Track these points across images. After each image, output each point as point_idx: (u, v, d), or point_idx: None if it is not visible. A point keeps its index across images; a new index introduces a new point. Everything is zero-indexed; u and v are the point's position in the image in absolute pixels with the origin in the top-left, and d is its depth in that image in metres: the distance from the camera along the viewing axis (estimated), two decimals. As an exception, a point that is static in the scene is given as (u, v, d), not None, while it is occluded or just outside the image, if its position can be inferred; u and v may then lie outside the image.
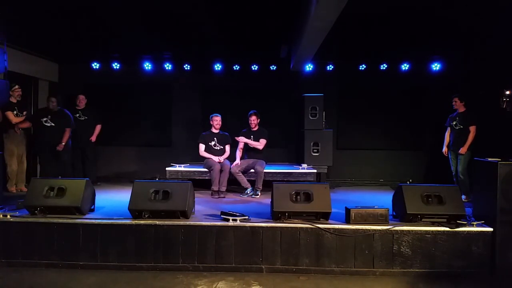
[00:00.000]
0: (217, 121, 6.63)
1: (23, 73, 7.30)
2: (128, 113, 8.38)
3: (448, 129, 6.60)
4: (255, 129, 6.68)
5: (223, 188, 6.34)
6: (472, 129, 6.16)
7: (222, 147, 6.62)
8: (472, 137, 6.15)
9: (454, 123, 6.42)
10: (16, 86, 6.62)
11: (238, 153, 6.67)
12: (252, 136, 6.64)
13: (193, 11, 5.74)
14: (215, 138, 6.62)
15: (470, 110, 6.36)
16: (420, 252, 4.19)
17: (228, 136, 6.72)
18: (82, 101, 7.53)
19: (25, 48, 7.26)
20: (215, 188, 6.28)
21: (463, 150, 6.15)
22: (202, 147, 6.60)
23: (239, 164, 6.49)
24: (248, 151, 6.68)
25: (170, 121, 8.48)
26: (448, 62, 7.97)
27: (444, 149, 6.59)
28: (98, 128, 7.60)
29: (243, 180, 6.43)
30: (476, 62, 7.52)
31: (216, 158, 6.43)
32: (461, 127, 6.29)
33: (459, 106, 6.40)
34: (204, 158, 6.58)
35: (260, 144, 6.58)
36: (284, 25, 6.27)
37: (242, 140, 6.59)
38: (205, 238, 4.26)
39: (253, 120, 6.61)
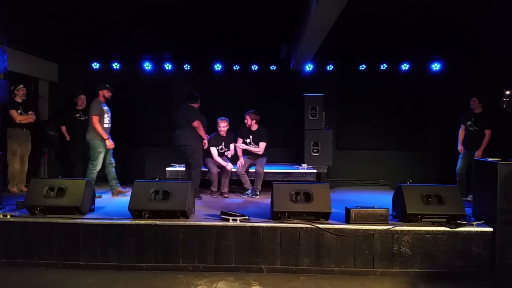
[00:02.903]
0: (222, 126, 6.37)
1: (23, 73, 7.30)
2: (128, 113, 8.37)
3: (462, 126, 6.53)
4: (254, 129, 6.55)
5: (225, 189, 6.33)
6: (488, 133, 6.14)
7: (227, 149, 6.52)
8: (487, 141, 6.13)
9: (469, 123, 6.37)
10: (21, 86, 6.63)
11: (239, 151, 6.53)
12: (251, 136, 6.54)
13: (193, 11, 5.74)
14: (222, 143, 6.47)
15: (486, 113, 6.29)
16: (420, 252, 4.19)
17: (233, 135, 6.58)
18: (82, 101, 7.53)
19: (25, 48, 7.27)
20: (213, 189, 6.31)
21: (478, 155, 6.10)
22: (214, 151, 6.39)
23: (243, 163, 6.38)
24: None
25: (170, 121, 8.46)
26: (448, 62, 7.97)
27: (460, 147, 6.53)
28: None
29: (247, 181, 6.39)
30: (476, 62, 7.52)
31: (224, 163, 6.33)
32: (476, 128, 6.26)
33: (476, 106, 6.32)
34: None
35: (260, 149, 6.44)
36: (284, 25, 6.27)
37: (241, 147, 6.47)
38: (205, 238, 4.26)
39: (247, 120, 6.46)
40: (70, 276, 4.07)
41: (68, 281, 3.97)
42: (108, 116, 6.09)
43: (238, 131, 6.57)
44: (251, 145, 6.50)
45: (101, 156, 5.92)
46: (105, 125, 6.01)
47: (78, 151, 7.51)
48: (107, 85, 6.18)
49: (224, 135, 6.45)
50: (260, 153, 6.47)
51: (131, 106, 8.39)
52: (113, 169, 6.18)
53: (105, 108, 6.08)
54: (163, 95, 8.46)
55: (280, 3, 5.41)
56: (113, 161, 6.18)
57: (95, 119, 5.86)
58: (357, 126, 8.34)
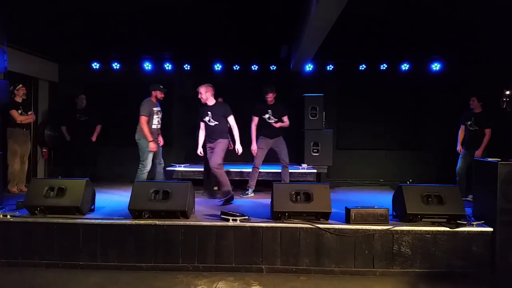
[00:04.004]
0: (200, 94, 5.53)
1: (23, 73, 7.30)
2: (128, 113, 8.35)
3: (462, 127, 6.53)
4: (272, 103, 6.17)
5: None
6: (488, 132, 6.14)
7: (217, 122, 5.53)
8: (487, 140, 6.13)
9: (469, 123, 6.36)
10: (20, 85, 6.63)
11: (253, 133, 6.04)
12: (269, 111, 6.14)
13: (193, 11, 5.74)
14: (209, 113, 5.52)
15: (486, 112, 6.28)
16: (420, 252, 4.19)
17: (226, 105, 5.71)
18: (82, 101, 7.54)
19: (25, 48, 7.27)
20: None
21: (478, 154, 6.09)
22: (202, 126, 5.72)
23: (256, 151, 5.95)
24: (267, 127, 6.19)
25: (170, 121, 8.47)
26: (448, 62, 7.98)
27: (459, 147, 6.54)
28: (98, 128, 7.62)
29: (256, 178, 6.16)
30: (476, 62, 7.52)
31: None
32: (476, 128, 6.25)
33: (476, 106, 6.31)
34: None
35: (286, 122, 6.21)
36: (284, 25, 6.27)
37: (277, 124, 6.08)
38: (205, 238, 4.26)
39: (269, 97, 6.09)
40: (70, 276, 4.06)
41: (68, 281, 3.97)
42: (157, 117, 5.97)
43: (253, 111, 6.16)
44: (271, 121, 6.14)
45: (150, 156, 5.80)
46: (154, 126, 5.89)
47: (77, 151, 7.53)
48: (162, 86, 6.02)
49: (210, 103, 5.56)
50: (287, 125, 6.26)
51: (131, 106, 8.35)
52: (162, 170, 6.08)
53: (156, 109, 5.96)
54: (163, 95, 8.44)
55: (280, 3, 5.41)
56: (162, 160, 6.07)
57: (142, 119, 5.73)
58: (357, 126, 8.34)
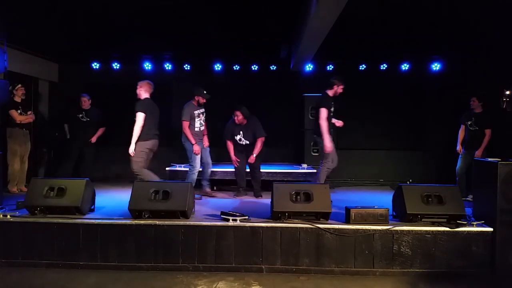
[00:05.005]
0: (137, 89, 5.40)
1: (23, 73, 7.30)
2: (128, 113, 8.34)
3: (462, 127, 6.53)
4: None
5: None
6: (488, 132, 6.14)
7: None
8: (488, 140, 6.13)
9: (469, 123, 6.36)
10: (19, 85, 6.62)
11: (327, 128, 5.28)
12: (333, 103, 5.65)
13: (193, 11, 5.75)
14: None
15: (486, 112, 6.28)
16: (420, 252, 4.19)
17: (139, 102, 5.28)
18: (86, 102, 7.53)
19: (25, 48, 7.27)
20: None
21: (478, 154, 6.09)
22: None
23: (331, 148, 5.29)
24: (330, 122, 5.62)
25: (170, 121, 8.46)
26: (448, 62, 7.98)
27: (459, 147, 6.54)
28: (101, 130, 7.61)
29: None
30: (476, 62, 7.52)
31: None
32: (477, 128, 6.26)
33: (476, 106, 6.31)
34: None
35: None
36: (284, 25, 6.28)
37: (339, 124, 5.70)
38: (205, 238, 4.26)
39: (339, 89, 5.58)
40: (70, 276, 4.06)
41: (68, 281, 3.97)
42: (199, 120, 6.02)
43: (324, 102, 5.50)
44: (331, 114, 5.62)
45: (198, 157, 5.93)
46: (196, 129, 5.97)
47: (77, 151, 7.52)
48: (205, 92, 6.04)
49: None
50: None
51: (131, 106, 8.36)
52: (209, 170, 6.19)
53: (197, 112, 6.00)
54: (163, 95, 8.44)
55: (280, 3, 5.42)
56: (210, 161, 6.18)
57: (184, 124, 5.89)
58: (357, 126, 8.33)
